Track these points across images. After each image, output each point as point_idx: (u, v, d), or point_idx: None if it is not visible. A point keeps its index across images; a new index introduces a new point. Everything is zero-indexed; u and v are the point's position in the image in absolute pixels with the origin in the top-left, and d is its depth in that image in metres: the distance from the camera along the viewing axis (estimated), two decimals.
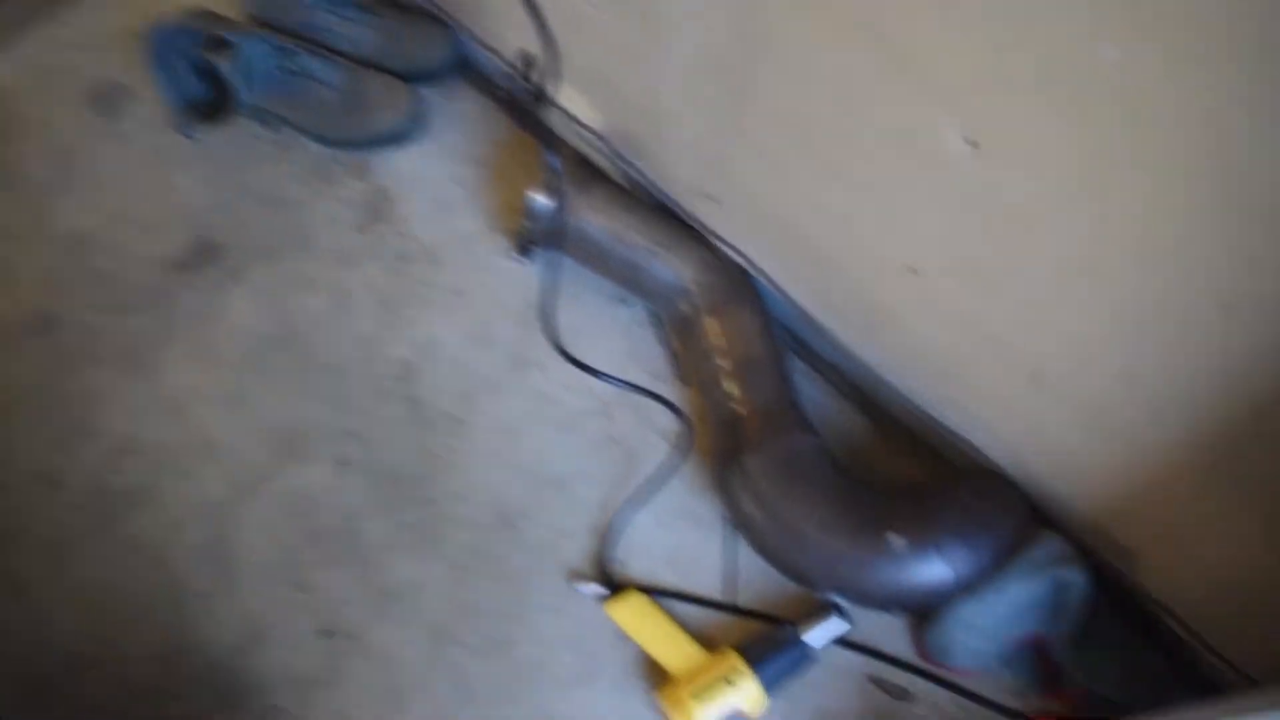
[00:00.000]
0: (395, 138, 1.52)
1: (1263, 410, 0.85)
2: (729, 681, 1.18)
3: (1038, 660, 1.23)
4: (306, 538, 1.31)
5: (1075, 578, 1.16)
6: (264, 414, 1.36)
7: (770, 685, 1.19)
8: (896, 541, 1.15)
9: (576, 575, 1.29)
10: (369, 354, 1.39)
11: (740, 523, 1.23)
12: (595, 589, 1.27)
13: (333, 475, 1.33)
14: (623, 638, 1.26)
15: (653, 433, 1.34)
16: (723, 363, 1.27)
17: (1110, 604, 1.21)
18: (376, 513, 1.32)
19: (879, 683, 1.25)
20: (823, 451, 1.24)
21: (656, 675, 1.23)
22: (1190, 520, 1.04)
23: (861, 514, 1.18)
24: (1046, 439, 1.13)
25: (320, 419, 1.36)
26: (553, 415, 1.36)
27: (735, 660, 1.19)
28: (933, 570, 1.16)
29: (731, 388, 1.26)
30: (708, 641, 1.25)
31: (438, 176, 1.52)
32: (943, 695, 1.24)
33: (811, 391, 1.37)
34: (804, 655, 1.21)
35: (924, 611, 1.25)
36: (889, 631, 1.27)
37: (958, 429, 1.24)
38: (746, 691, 1.18)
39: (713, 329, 1.28)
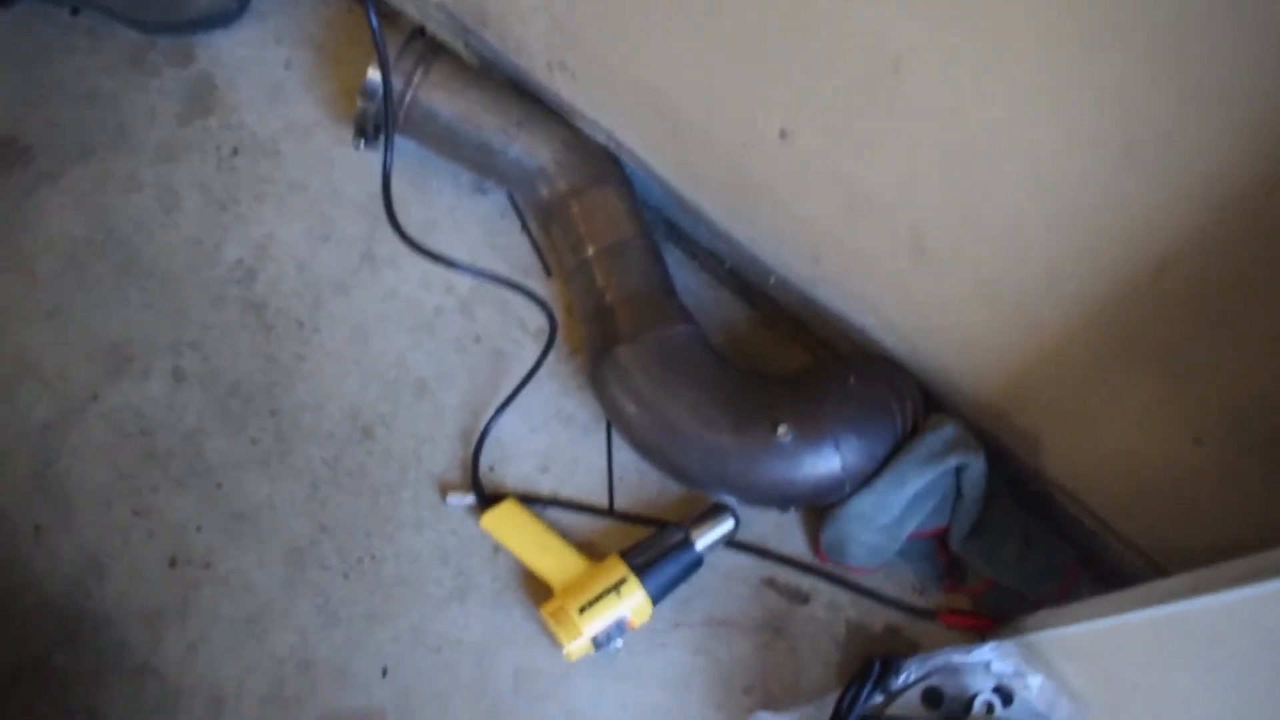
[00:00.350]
0: (218, 19, 1.35)
1: (1166, 265, 0.76)
2: (616, 592, 1.09)
3: (939, 554, 1.16)
4: (144, 460, 1.18)
5: (973, 464, 1.07)
6: (89, 328, 1.23)
7: (658, 593, 1.11)
8: (784, 433, 1.05)
9: (444, 486, 1.18)
10: (202, 258, 1.26)
11: (617, 420, 1.13)
12: (465, 499, 1.17)
13: (169, 391, 1.21)
14: (498, 550, 1.16)
15: (519, 330, 1.23)
16: (589, 249, 1.16)
17: (1013, 493, 1.14)
18: (220, 429, 1.20)
19: (774, 586, 1.17)
20: (702, 340, 1.13)
21: (537, 589, 1.14)
22: (1092, 398, 0.95)
23: (745, 405, 1.08)
24: (935, 315, 1.04)
25: (152, 331, 1.23)
26: (408, 315, 1.24)
27: (620, 568, 1.10)
28: (824, 462, 1.07)
29: (599, 275, 1.15)
30: (590, 550, 1.16)
31: (268, 61, 1.37)
32: (842, 596, 1.17)
33: (688, 280, 1.26)
34: (692, 559, 1.12)
35: (817, 508, 1.16)
36: (783, 531, 1.19)
37: (843, 312, 1.14)
38: (633, 600, 1.09)
39: (576, 213, 1.16)
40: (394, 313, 1.24)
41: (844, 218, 1.00)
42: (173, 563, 1.15)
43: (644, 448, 1.12)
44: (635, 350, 1.10)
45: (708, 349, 1.13)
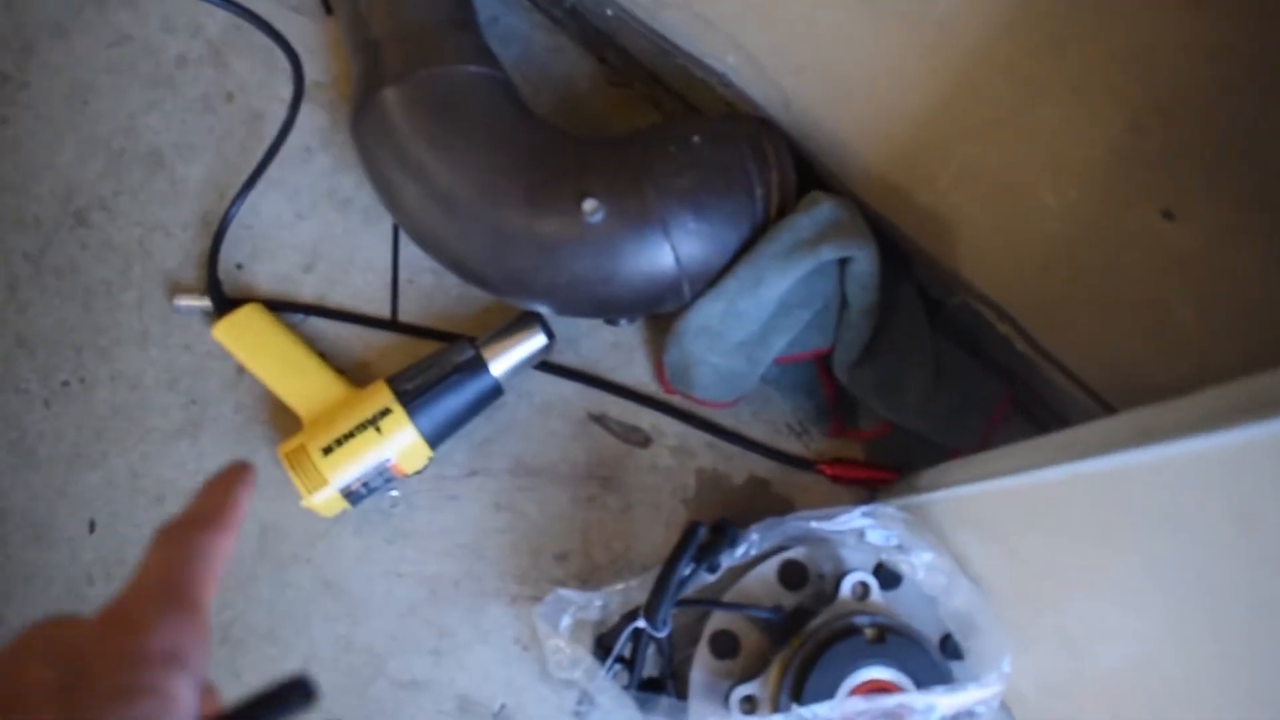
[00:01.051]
0: None
1: None
2: (375, 427, 0.81)
3: (822, 385, 0.86)
4: None
5: (859, 258, 0.77)
6: None
7: (436, 430, 0.83)
8: (592, 209, 0.75)
9: (176, 288, 0.90)
10: None
11: (381, 191, 0.83)
12: (200, 304, 0.88)
13: None
14: (244, 373, 0.88)
15: (286, 85, 0.92)
16: None
17: (921, 307, 0.83)
18: None
19: (605, 424, 0.88)
20: (497, 85, 0.82)
21: (286, 421, 0.86)
22: (1021, 152, 0.64)
23: (544, 171, 0.78)
24: (804, 35, 0.72)
25: None
26: (143, 67, 0.94)
27: (384, 396, 0.82)
28: (650, 252, 0.77)
29: (371, 3, 0.83)
30: (364, 375, 0.88)
31: None
32: (694, 438, 0.88)
33: (515, 22, 0.95)
34: (486, 387, 0.84)
35: (658, 317, 0.87)
36: (619, 353, 0.89)
37: (696, 52, 0.82)
38: (400, 439, 0.81)
39: None
40: (125, 63, 0.94)
41: None
42: None
43: (416, 231, 0.82)
44: (401, 93, 0.79)
45: (504, 97, 0.82)
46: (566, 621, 0.80)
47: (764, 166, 0.78)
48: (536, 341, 0.84)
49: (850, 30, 0.68)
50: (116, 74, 0.93)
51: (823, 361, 0.85)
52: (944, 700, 0.68)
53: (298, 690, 0.30)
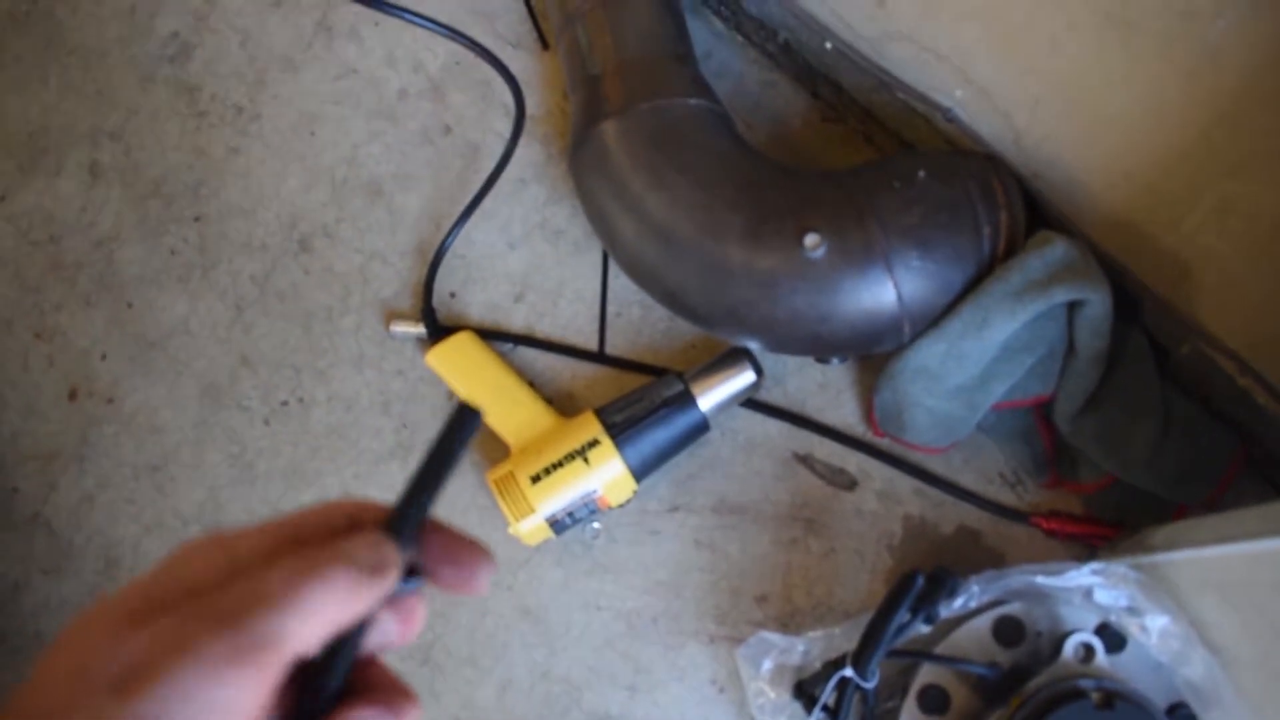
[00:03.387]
0: None
1: None
2: (583, 458, 0.81)
3: (1040, 434, 0.83)
4: (50, 271, 0.97)
5: (1093, 302, 0.74)
6: (2, 113, 1.01)
7: (642, 464, 0.83)
8: (814, 244, 0.74)
9: (392, 314, 0.92)
10: (132, 29, 1.02)
11: (598, 224, 0.84)
12: (414, 331, 0.90)
13: (84, 189, 0.99)
14: (452, 397, 0.90)
15: (503, 119, 0.94)
16: (582, 3, 0.85)
17: (1146, 350, 0.79)
18: (136, 236, 0.97)
19: (811, 465, 0.87)
20: (716, 119, 0.82)
21: (492, 448, 0.87)
22: None
23: (765, 206, 0.77)
24: (1045, 67, 0.69)
25: (70, 116, 1.01)
26: (367, 99, 0.97)
27: (592, 427, 0.82)
28: (872, 290, 0.75)
29: (593, 35, 0.85)
30: (569, 405, 0.89)
31: None
32: (902, 483, 0.85)
33: (728, 58, 0.95)
34: (694, 422, 0.83)
35: (873, 360, 0.85)
36: (827, 393, 0.88)
37: (921, 86, 0.81)
38: (607, 471, 0.81)
39: None
40: (350, 95, 0.97)
41: None
42: (73, 395, 0.94)
43: (631, 264, 0.83)
44: (621, 126, 0.80)
45: (723, 130, 0.82)
46: (768, 665, 0.78)
47: (992, 205, 0.76)
48: (746, 378, 0.83)
49: (1100, 58, 0.65)
50: (341, 106, 0.97)
51: (1042, 409, 0.82)
52: None
53: (465, 414, 0.34)
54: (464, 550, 0.34)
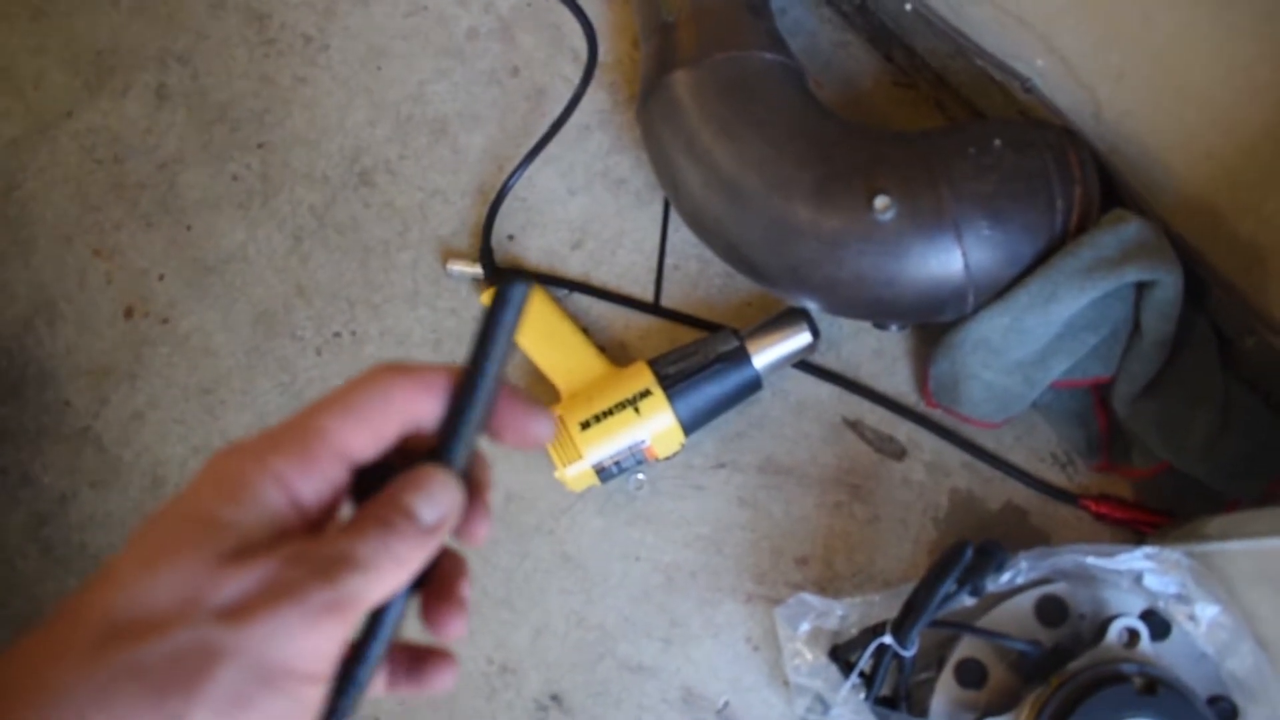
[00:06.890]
0: None
1: None
2: (634, 408, 0.81)
3: (1096, 415, 0.82)
4: (112, 190, 0.98)
5: (1164, 284, 0.72)
6: (73, 34, 1.02)
7: (693, 417, 0.82)
8: (883, 206, 0.73)
9: (449, 253, 0.92)
10: None
11: (663, 175, 0.83)
12: (471, 270, 0.90)
13: (150, 111, 0.99)
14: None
15: (571, 63, 0.94)
16: None
17: (1210, 338, 0.78)
18: (199, 160, 0.97)
19: (860, 430, 0.86)
20: (789, 73, 0.81)
21: (545, 393, 0.87)
22: None
23: (835, 164, 0.76)
24: (1135, 36, 0.68)
25: (139, 38, 1.00)
26: (436, 36, 0.97)
27: (645, 377, 0.82)
28: (939, 256, 0.74)
29: None
30: (621, 354, 0.88)
31: None
32: (951, 455, 0.85)
33: (802, 15, 0.93)
34: (747, 379, 0.83)
35: (930, 328, 0.84)
36: (882, 360, 0.87)
37: (1002, 54, 0.79)
38: (657, 422, 0.81)
39: None
40: (419, 32, 0.97)
41: None
42: (129, 313, 0.95)
43: (694, 216, 0.82)
44: (693, 76, 0.79)
45: (796, 86, 0.81)
46: (805, 627, 0.78)
47: (1068, 179, 0.74)
48: (802, 339, 0.83)
49: (1192, 31, 0.63)
50: (410, 41, 0.96)
51: (1100, 390, 0.81)
52: None
53: (513, 286, 0.34)
54: (524, 413, 0.37)
